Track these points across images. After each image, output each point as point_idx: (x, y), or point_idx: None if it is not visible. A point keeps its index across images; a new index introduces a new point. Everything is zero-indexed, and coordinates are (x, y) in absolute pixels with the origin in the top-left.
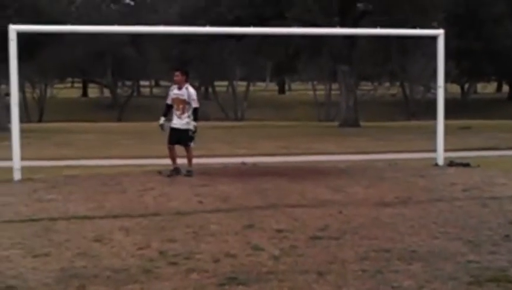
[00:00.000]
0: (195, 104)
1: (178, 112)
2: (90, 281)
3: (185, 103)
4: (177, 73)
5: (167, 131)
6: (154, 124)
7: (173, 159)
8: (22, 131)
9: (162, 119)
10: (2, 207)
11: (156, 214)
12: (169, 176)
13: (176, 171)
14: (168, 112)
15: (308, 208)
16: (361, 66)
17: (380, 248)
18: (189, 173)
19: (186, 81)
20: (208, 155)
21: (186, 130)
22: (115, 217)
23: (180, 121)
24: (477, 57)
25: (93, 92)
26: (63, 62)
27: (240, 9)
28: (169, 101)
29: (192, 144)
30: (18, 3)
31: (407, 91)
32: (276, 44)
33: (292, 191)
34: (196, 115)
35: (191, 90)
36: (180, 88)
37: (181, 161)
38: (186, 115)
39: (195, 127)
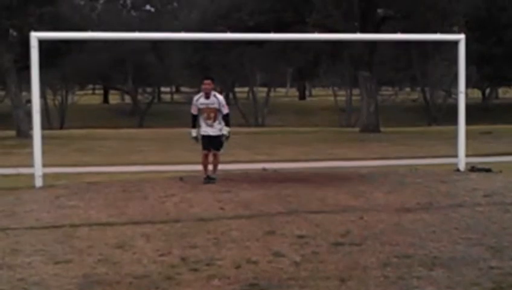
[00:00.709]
0: (226, 110)
1: (209, 121)
2: (112, 287)
3: (216, 110)
4: (209, 81)
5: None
6: (175, 130)
7: (206, 167)
8: (44, 138)
9: (194, 132)
10: (24, 214)
11: (177, 221)
12: (205, 183)
13: (209, 178)
14: (196, 122)
15: (329, 214)
16: (382, 71)
17: (401, 253)
18: (212, 180)
19: (214, 88)
20: (229, 161)
21: (219, 136)
22: (136, 223)
23: (212, 128)
24: (498, 61)
25: (114, 98)
26: (84, 69)
27: (260, 15)
28: (195, 112)
29: (221, 151)
30: (39, 11)
31: (428, 96)
32: (296, 50)
33: (313, 197)
34: (228, 120)
35: (220, 96)
36: (208, 97)
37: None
38: (217, 122)
39: (229, 132)
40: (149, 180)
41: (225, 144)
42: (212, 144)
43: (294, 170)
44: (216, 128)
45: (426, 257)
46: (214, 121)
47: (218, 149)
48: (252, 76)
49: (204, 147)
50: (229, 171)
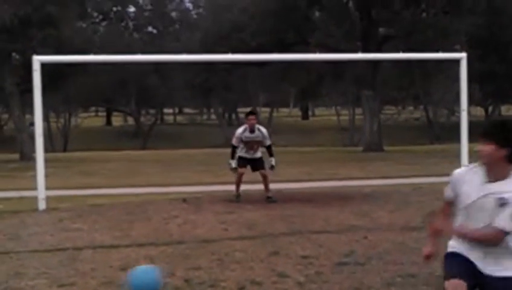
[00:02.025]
0: (269, 142)
1: (251, 151)
2: None
3: (259, 143)
4: (253, 117)
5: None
6: (178, 152)
7: (238, 185)
8: (47, 160)
9: (234, 163)
10: (28, 237)
11: (180, 242)
12: (236, 201)
13: (238, 197)
14: (235, 153)
15: (333, 234)
16: (384, 90)
17: (406, 273)
18: (271, 199)
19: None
20: (232, 182)
21: (260, 158)
22: (140, 245)
23: (253, 155)
24: (500, 79)
25: (117, 120)
26: (86, 91)
27: (262, 36)
28: (236, 143)
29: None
30: (42, 34)
31: (431, 115)
32: (299, 70)
33: (317, 217)
34: (272, 151)
35: (263, 129)
36: (252, 131)
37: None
38: (259, 151)
39: (275, 162)
40: (152, 202)
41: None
42: (255, 164)
43: (298, 190)
44: (257, 154)
45: (431, 276)
46: (256, 151)
47: (263, 167)
48: (255, 96)
49: (241, 165)
50: (232, 192)
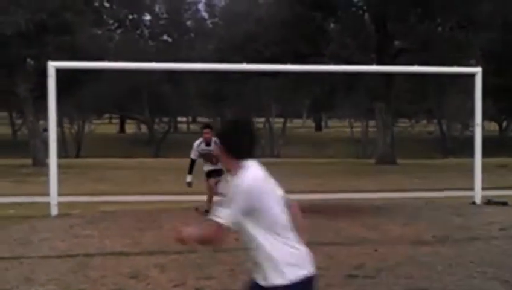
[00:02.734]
0: None
1: (210, 163)
2: None
3: (217, 156)
4: (208, 130)
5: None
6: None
7: (211, 198)
8: (60, 166)
9: (190, 177)
10: (39, 242)
11: (192, 251)
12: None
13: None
14: (193, 167)
15: (344, 246)
16: (398, 103)
17: (416, 287)
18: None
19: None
20: None
21: (221, 169)
22: (151, 253)
23: (217, 166)
24: None
25: (130, 128)
26: (101, 98)
27: (276, 46)
28: (195, 157)
29: None
30: (57, 40)
31: (444, 128)
32: (313, 81)
33: (328, 228)
34: None
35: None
36: (208, 144)
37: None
38: (219, 163)
39: None
40: (164, 210)
41: None
42: (217, 173)
43: (310, 201)
44: (219, 165)
45: None
46: (216, 163)
47: (219, 175)
48: (268, 107)
49: (213, 176)
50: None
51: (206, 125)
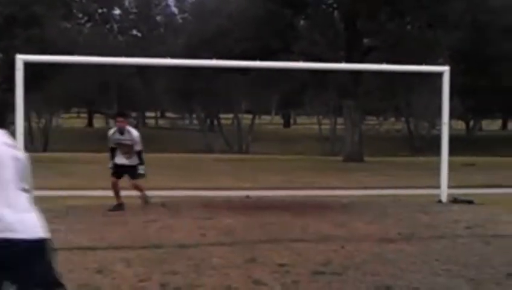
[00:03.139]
0: (138, 147)
1: (125, 155)
2: None
3: (130, 146)
4: (121, 119)
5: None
6: (159, 156)
7: (118, 193)
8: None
9: (111, 163)
10: None
11: (158, 246)
12: (111, 210)
13: (120, 206)
14: (114, 154)
15: (310, 243)
16: (366, 101)
17: (382, 284)
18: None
19: (128, 124)
20: (212, 188)
21: (134, 166)
22: (117, 248)
23: (128, 161)
24: (482, 94)
25: (98, 122)
26: (69, 92)
27: (246, 42)
28: (112, 145)
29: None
30: (26, 33)
31: (412, 127)
32: (282, 77)
33: (295, 225)
34: (142, 158)
35: (134, 133)
36: (122, 133)
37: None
38: (133, 157)
39: (144, 170)
40: (131, 205)
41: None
42: (128, 173)
43: (277, 197)
44: (133, 160)
45: (407, 288)
46: (130, 156)
47: (134, 177)
48: (237, 103)
49: (115, 175)
50: (212, 198)
51: (120, 113)
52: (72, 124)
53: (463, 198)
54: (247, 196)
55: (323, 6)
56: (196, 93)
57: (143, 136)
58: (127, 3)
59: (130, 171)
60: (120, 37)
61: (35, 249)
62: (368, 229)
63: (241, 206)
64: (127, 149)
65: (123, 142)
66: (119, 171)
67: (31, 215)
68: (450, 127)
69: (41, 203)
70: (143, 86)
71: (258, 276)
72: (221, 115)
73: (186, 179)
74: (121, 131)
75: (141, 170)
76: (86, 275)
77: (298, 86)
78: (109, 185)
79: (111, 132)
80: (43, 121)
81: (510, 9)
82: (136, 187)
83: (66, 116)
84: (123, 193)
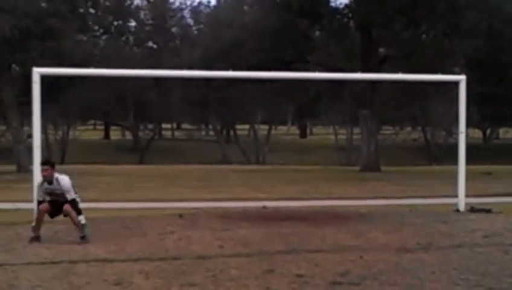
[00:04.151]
0: (70, 196)
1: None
2: None
3: (63, 195)
4: (46, 167)
5: None
6: (176, 167)
7: (39, 223)
8: None
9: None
10: (23, 249)
11: (176, 258)
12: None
13: (37, 238)
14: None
15: (328, 253)
16: (382, 110)
17: None
18: (84, 239)
19: (55, 172)
20: (229, 199)
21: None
22: (135, 260)
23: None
24: (499, 102)
25: (115, 134)
26: (85, 104)
27: (261, 53)
28: (40, 197)
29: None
30: (42, 46)
31: (429, 136)
32: (298, 88)
33: (313, 236)
34: (78, 208)
35: (64, 180)
36: (50, 182)
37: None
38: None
39: (85, 221)
40: (148, 217)
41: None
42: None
43: (294, 208)
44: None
45: None
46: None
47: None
48: (253, 113)
49: (42, 203)
50: (229, 209)
51: (44, 162)
52: (88, 136)
53: (480, 207)
54: (264, 207)
55: (338, 17)
56: (212, 104)
57: (159, 148)
58: (142, 16)
59: (56, 205)
60: (136, 49)
61: None
62: (385, 239)
63: (258, 217)
64: (62, 199)
65: (54, 191)
66: (52, 206)
67: None
68: (467, 136)
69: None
70: (159, 97)
71: (276, 287)
72: (237, 126)
73: (203, 191)
74: (49, 181)
75: (82, 219)
76: (104, 287)
77: (314, 96)
78: (126, 196)
79: (39, 183)
80: (59, 133)
81: None
82: (70, 213)
83: (83, 128)
84: (138, 204)
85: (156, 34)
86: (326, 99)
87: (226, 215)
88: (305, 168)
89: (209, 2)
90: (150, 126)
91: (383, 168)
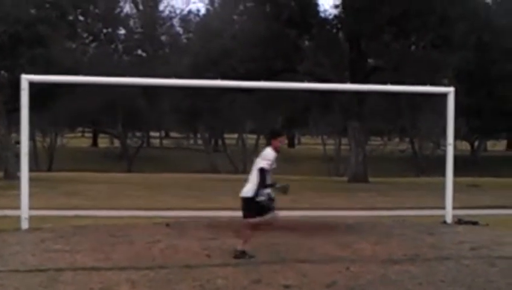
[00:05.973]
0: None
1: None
2: None
3: None
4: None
5: None
6: (164, 175)
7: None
8: (31, 180)
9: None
10: (9, 256)
11: (163, 267)
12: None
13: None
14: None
15: (316, 264)
16: (371, 121)
17: None
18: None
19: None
20: (217, 208)
21: None
22: (122, 269)
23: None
24: (487, 114)
25: (103, 142)
26: (74, 112)
27: (251, 63)
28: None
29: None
30: (31, 53)
31: (417, 147)
32: (287, 98)
33: (301, 246)
34: None
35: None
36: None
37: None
38: None
39: None
40: (136, 225)
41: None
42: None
43: (282, 218)
44: None
45: None
46: None
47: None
48: (242, 123)
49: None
50: (217, 218)
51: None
52: (76, 143)
53: (468, 219)
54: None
55: (328, 27)
56: (201, 113)
57: (148, 156)
58: (131, 23)
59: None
60: (125, 57)
61: None
62: (372, 250)
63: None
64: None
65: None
66: (271, 206)
67: None
68: (455, 148)
69: (46, 223)
70: (147, 105)
71: None
72: (226, 135)
73: (190, 199)
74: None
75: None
76: None
77: (303, 106)
78: (113, 204)
79: (273, 153)
80: (47, 140)
81: None
82: None
83: (71, 135)
84: (125, 212)
85: (145, 42)
86: (315, 110)
87: (213, 225)
88: (293, 178)
89: (198, 11)
90: (138, 134)
91: (371, 179)
